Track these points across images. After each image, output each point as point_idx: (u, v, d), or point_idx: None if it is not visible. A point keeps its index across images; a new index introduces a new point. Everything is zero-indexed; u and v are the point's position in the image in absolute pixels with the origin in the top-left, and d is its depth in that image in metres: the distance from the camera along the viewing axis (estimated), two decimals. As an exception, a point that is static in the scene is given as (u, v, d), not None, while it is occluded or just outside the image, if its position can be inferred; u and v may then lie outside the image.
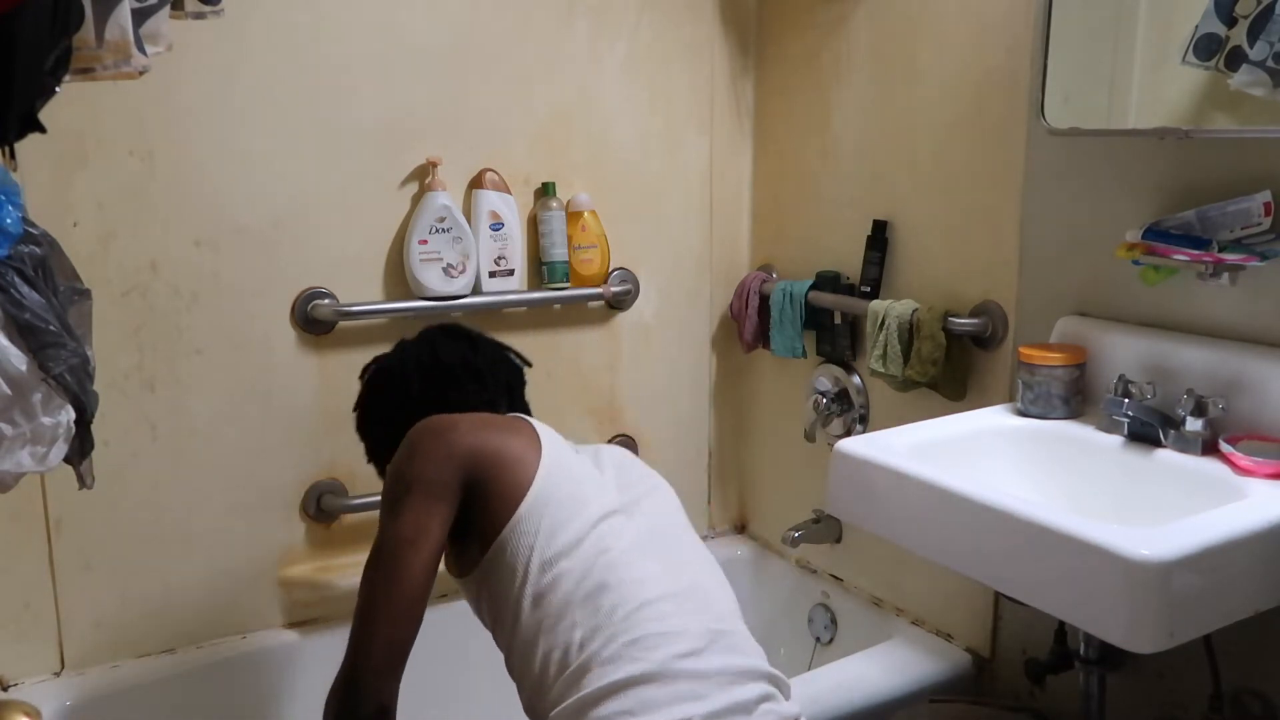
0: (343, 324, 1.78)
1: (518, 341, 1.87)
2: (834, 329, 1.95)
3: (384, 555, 1.19)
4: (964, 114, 1.66)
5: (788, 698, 1.21)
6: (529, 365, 1.56)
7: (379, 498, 1.79)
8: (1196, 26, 1.27)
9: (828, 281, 1.93)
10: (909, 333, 1.69)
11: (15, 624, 1.60)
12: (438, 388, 1.40)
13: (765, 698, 1.15)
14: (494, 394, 1.44)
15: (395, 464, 1.26)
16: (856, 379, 1.93)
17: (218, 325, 1.69)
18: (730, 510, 2.29)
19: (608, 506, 1.26)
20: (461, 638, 1.88)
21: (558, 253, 1.93)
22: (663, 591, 1.18)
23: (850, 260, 1.90)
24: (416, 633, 1.20)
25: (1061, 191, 1.52)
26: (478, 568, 1.23)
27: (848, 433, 1.93)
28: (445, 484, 1.21)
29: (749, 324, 2.08)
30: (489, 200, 1.86)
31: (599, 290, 1.98)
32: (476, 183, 1.87)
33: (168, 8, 1.19)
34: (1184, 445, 1.29)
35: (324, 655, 1.79)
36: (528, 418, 1.37)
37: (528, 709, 1.19)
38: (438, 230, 1.80)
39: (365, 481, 1.81)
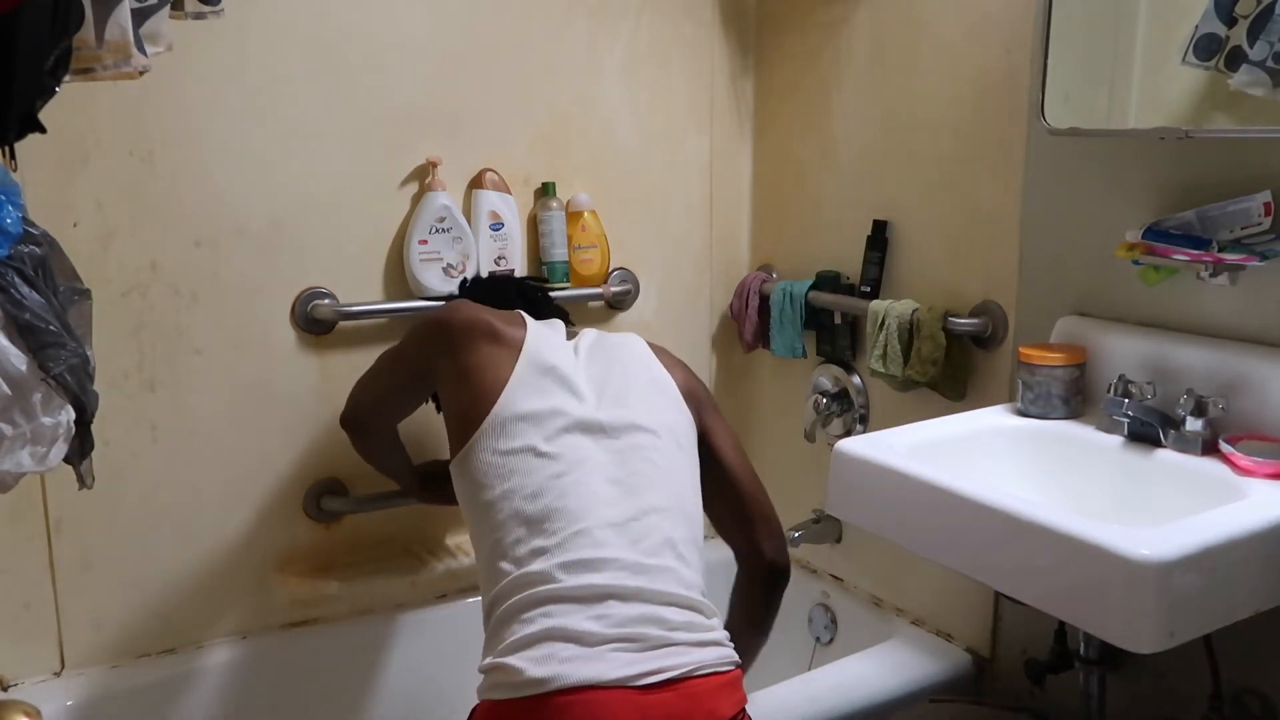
0: (343, 324, 1.78)
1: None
2: (834, 329, 1.95)
3: (388, 350, 1.60)
4: (964, 114, 1.66)
5: (708, 619, 1.29)
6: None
7: (379, 498, 1.81)
8: (1196, 26, 1.27)
9: (828, 281, 1.93)
10: (909, 333, 1.69)
11: (15, 624, 1.60)
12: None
13: (685, 625, 1.25)
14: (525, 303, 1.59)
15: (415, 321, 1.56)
16: (856, 379, 1.93)
17: (218, 325, 1.69)
18: (730, 510, 2.29)
19: (576, 418, 1.34)
20: (461, 638, 1.89)
21: (558, 253, 1.93)
22: (605, 520, 1.28)
23: (850, 260, 1.90)
24: (373, 409, 1.62)
25: (1061, 191, 1.52)
26: (454, 460, 1.38)
27: (848, 433, 1.93)
28: (422, 348, 1.49)
29: (749, 324, 2.08)
30: (489, 200, 1.86)
31: (599, 290, 1.98)
32: (476, 183, 1.87)
33: (168, 8, 1.19)
34: (1184, 445, 1.29)
35: (325, 655, 1.80)
36: (528, 317, 1.46)
37: (484, 603, 1.32)
38: (438, 230, 1.80)
39: (365, 481, 1.81)
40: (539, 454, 1.32)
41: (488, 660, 1.26)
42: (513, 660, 1.21)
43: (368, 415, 1.65)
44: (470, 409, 1.35)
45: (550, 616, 1.23)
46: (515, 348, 1.39)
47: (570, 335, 1.51)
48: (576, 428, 1.35)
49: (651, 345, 1.52)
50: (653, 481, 1.35)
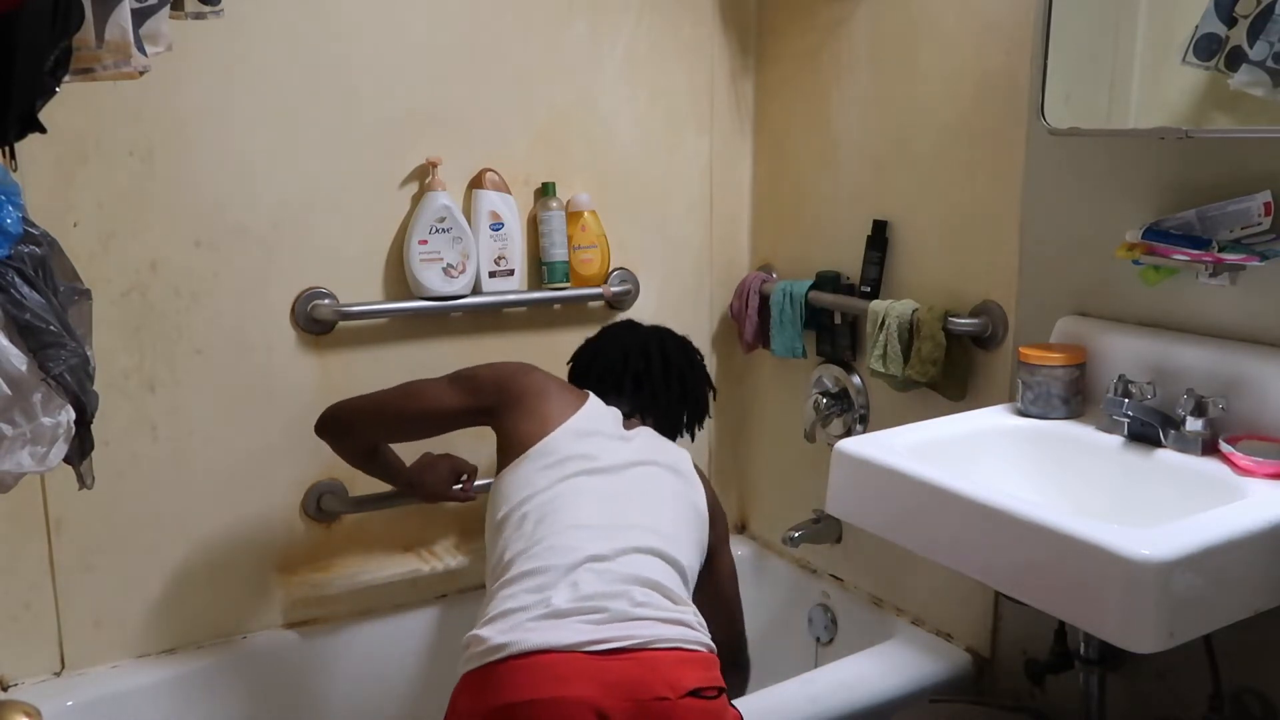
0: (343, 324, 1.78)
1: (518, 341, 1.87)
2: (834, 329, 1.95)
3: (415, 381, 1.66)
4: (964, 114, 1.66)
5: (676, 604, 1.35)
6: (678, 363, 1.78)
7: (379, 498, 1.81)
8: (1196, 26, 1.27)
9: (828, 281, 1.93)
10: (909, 333, 1.69)
11: (15, 624, 1.60)
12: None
13: (649, 603, 1.31)
14: (598, 389, 1.68)
15: (476, 366, 1.66)
16: (856, 379, 1.93)
17: (218, 325, 1.69)
18: (730, 510, 2.29)
19: (593, 466, 1.48)
20: (461, 638, 1.88)
21: (558, 253, 1.93)
22: (593, 523, 1.40)
23: (850, 260, 1.90)
24: (383, 429, 1.68)
25: (1061, 191, 1.52)
26: (498, 475, 1.53)
27: (848, 433, 1.93)
28: (478, 389, 1.60)
29: (749, 324, 2.08)
30: (489, 200, 1.86)
31: (599, 290, 1.98)
32: (476, 183, 1.87)
33: (168, 8, 1.19)
34: (1184, 445, 1.29)
35: (324, 655, 1.80)
36: (591, 394, 1.62)
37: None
38: (438, 230, 1.80)
39: (365, 481, 1.81)
40: (556, 481, 1.45)
41: (468, 634, 1.32)
42: (483, 631, 1.28)
43: (363, 430, 1.66)
44: (523, 439, 1.52)
45: (529, 592, 1.30)
46: (576, 407, 1.57)
47: (629, 425, 1.62)
48: (592, 470, 1.48)
49: (695, 465, 1.64)
50: (646, 517, 1.45)
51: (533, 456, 1.49)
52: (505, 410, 1.56)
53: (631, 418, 1.65)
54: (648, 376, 1.71)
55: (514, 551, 1.38)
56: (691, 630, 1.31)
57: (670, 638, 1.27)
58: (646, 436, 1.61)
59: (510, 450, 1.52)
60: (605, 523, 1.40)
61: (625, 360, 1.71)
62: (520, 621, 1.27)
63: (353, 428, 1.65)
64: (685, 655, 1.27)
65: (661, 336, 1.79)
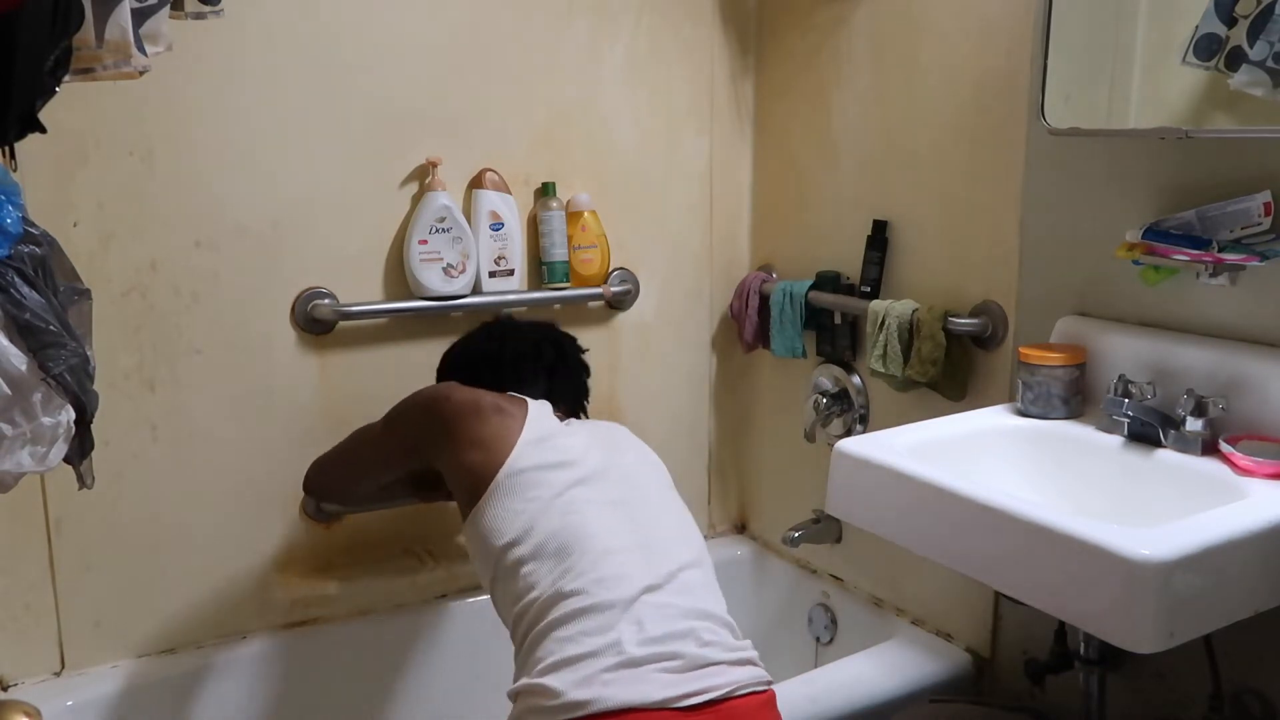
0: (343, 324, 1.78)
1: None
2: (834, 329, 1.95)
3: (359, 431, 1.67)
4: (964, 114, 1.66)
5: (737, 639, 1.33)
6: (569, 355, 1.74)
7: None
8: (1196, 26, 1.27)
9: (828, 281, 1.93)
10: (909, 333, 1.69)
11: (15, 624, 1.60)
12: (472, 372, 1.65)
13: (718, 643, 1.28)
14: (515, 380, 1.62)
15: (402, 403, 1.59)
16: (856, 379, 1.93)
17: (218, 325, 1.69)
18: (730, 510, 2.29)
19: (579, 475, 1.42)
20: (461, 638, 1.89)
21: (558, 253, 1.93)
22: (624, 545, 1.34)
23: (850, 260, 1.90)
24: (350, 482, 1.70)
25: (1062, 191, 1.52)
26: (466, 521, 1.43)
27: (848, 433, 1.93)
28: (404, 430, 1.56)
29: (749, 324, 2.08)
30: (489, 200, 1.86)
31: (599, 290, 1.98)
32: (476, 183, 1.87)
33: (168, 8, 1.19)
34: (1184, 445, 1.29)
35: (324, 655, 1.80)
36: (525, 398, 1.54)
37: (514, 639, 1.35)
38: (438, 230, 1.80)
39: (365, 481, 1.81)
40: (549, 500, 1.38)
41: (522, 681, 1.25)
42: (549, 681, 1.21)
43: (340, 487, 1.72)
44: (482, 469, 1.42)
45: (591, 634, 1.23)
46: (520, 417, 1.47)
47: (559, 416, 1.57)
48: (582, 479, 1.42)
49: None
50: (656, 517, 1.43)
51: (504, 486, 1.39)
52: (440, 444, 1.47)
53: (555, 407, 1.59)
54: (561, 364, 1.70)
55: (549, 586, 1.30)
56: (758, 669, 1.30)
57: (745, 682, 1.25)
58: (581, 426, 1.57)
59: (471, 486, 1.42)
60: (634, 542, 1.35)
61: (537, 350, 1.68)
62: (594, 673, 1.20)
63: (327, 483, 1.72)
64: (760, 699, 1.26)
65: (551, 327, 1.78)
